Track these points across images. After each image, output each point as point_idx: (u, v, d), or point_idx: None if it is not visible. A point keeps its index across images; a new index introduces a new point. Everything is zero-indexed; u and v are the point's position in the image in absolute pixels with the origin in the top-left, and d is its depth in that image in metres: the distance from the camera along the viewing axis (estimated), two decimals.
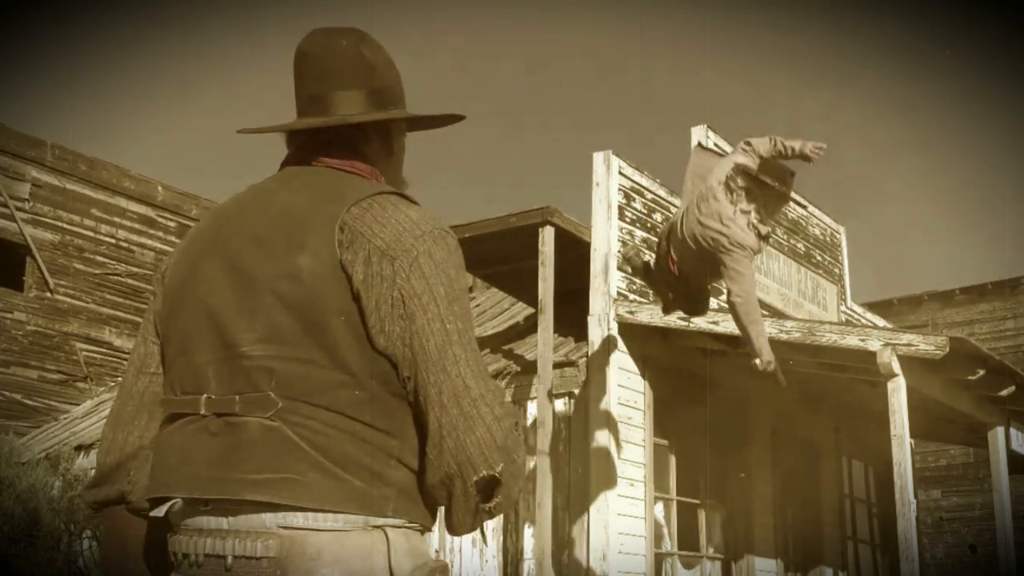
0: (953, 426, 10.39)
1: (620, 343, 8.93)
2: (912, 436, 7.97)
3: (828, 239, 12.35)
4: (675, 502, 9.56)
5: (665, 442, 9.48)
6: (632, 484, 8.86)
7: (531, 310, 10.47)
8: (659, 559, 9.32)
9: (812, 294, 11.59)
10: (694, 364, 9.37)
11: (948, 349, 7.52)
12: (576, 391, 9.24)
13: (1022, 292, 18.96)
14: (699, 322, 8.10)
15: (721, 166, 6.02)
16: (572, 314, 9.43)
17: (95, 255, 15.00)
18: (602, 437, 8.67)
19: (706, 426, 9.93)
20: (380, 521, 1.69)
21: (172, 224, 15.88)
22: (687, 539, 9.85)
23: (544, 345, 9.03)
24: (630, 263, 7.67)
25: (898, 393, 7.64)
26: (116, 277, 15.20)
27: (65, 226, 14.68)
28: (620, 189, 9.31)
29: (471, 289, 12.90)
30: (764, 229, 5.89)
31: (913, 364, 7.74)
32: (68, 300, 14.60)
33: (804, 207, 11.95)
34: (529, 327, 10.47)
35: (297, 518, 1.65)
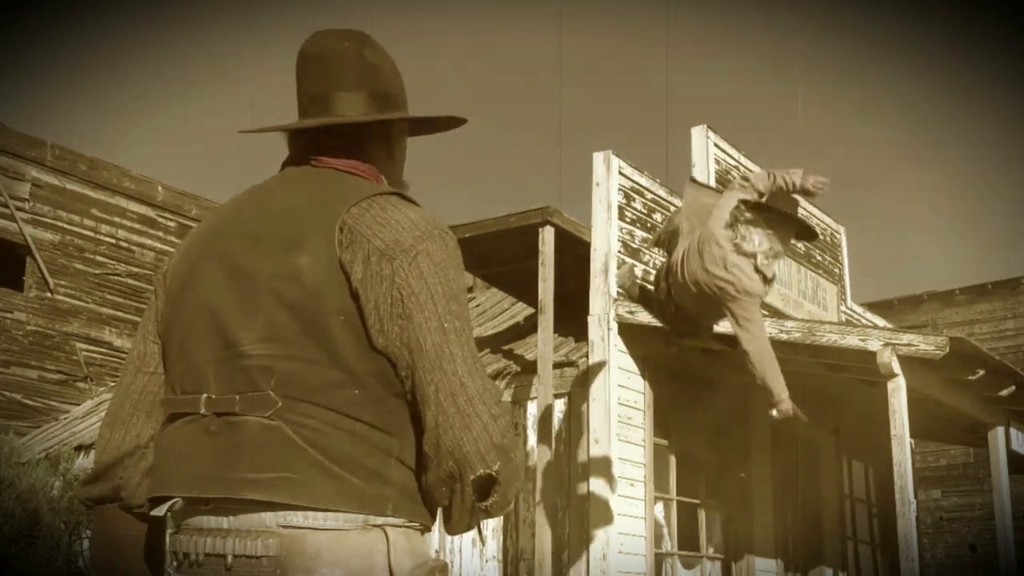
0: (953, 426, 10.40)
1: (620, 343, 8.93)
2: (912, 436, 7.97)
3: (828, 239, 12.34)
4: (675, 502, 9.56)
5: (665, 442, 9.47)
6: (632, 484, 8.86)
7: (531, 310, 10.47)
8: (659, 559, 9.32)
9: (812, 294, 11.58)
10: (694, 364, 9.36)
11: (948, 349, 7.52)
12: (576, 391, 9.25)
13: (1022, 292, 18.95)
14: None
15: (721, 207, 5.78)
16: (572, 314, 9.43)
17: (95, 255, 15.00)
18: (602, 437, 8.67)
19: (706, 426, 9.94)
20: (380, 520, 1.69)
21: (172, 224, 15.87)
22: (687, 539, 9.84)
23: (544, 345, 9.03)
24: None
25: (898, 393, 7.65)
26: (116, 277, 15.20)
27: (65, 226, 14.67)
28: (620, 189, 9.31)
29: (471, 289, 12.90)
30: (770, 272, 5.69)
31: (913, 364, 7.75)
32: (68, 300, 14.60)
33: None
34: (529, 327, 10.48)
35: (297, 517, 1.65)
